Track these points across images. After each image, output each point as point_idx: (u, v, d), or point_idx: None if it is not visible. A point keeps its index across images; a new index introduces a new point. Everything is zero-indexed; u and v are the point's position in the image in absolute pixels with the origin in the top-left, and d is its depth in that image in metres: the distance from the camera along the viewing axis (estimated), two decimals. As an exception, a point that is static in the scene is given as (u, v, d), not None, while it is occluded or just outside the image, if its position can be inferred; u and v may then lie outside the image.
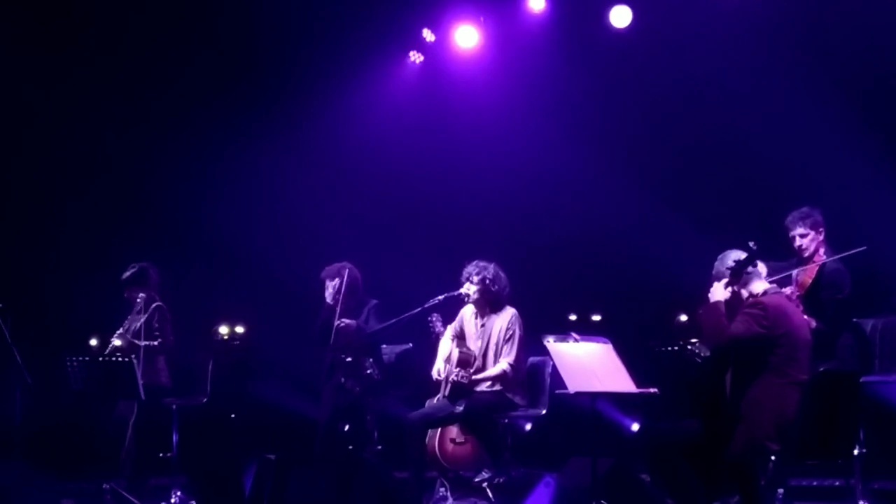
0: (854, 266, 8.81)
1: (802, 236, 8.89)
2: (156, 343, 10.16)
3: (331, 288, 10.60)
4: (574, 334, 8.14)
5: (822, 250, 8.86)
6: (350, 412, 10.41)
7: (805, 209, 8.95)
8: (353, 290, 10.56)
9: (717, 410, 7.32)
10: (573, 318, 12.09)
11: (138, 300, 10.29)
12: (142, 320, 10.23)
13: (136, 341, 10.20)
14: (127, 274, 10.49)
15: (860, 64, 11.10)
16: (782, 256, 8.85)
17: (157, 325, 10.24)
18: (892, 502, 8.75)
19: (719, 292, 7.42)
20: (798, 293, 8.51)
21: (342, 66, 13.00)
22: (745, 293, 7.45)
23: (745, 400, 7.19)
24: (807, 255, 8.87)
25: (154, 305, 10.27)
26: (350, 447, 10.37)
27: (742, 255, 7.40)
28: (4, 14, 11.99)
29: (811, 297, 8.57)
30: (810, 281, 8.69)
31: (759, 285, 7.46)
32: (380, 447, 10.41)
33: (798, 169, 10.89)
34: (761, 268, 7.55)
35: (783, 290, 7.95)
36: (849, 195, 10.52)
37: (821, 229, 8.88)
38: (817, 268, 8.75)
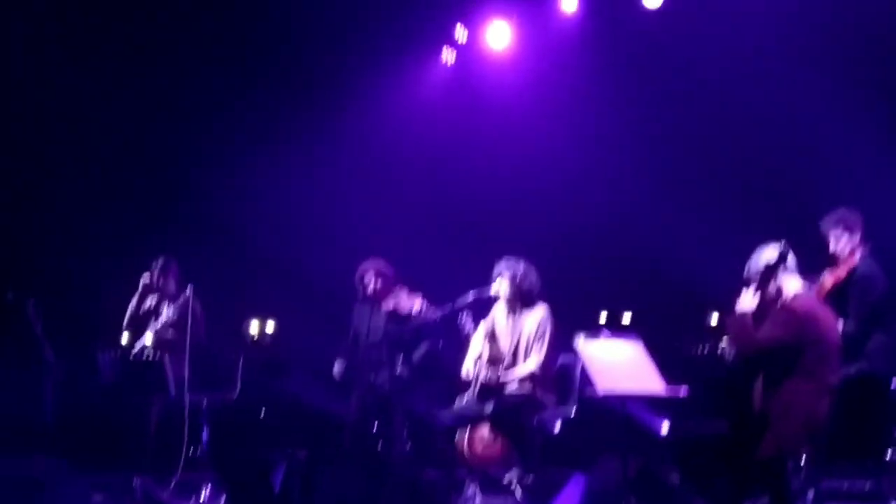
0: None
1: (836, 239, 8.79)
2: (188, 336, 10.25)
3: (371, 284, 10.67)
4: (605, 332, 8.11)
5: (858, 253, 8.76)
6: (379, 411, 10.42)
7: (840, 211, 8.85)
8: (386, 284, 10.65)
9: (747, 412, 7.29)
10: (604, 316, 12.06)
11: (175, 291, 10.46)
12: (176, 312, 10.34)
13: (170, 334, 10.31)
14: (161, 263, 10.61)
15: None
16: (816, 256, 8.77)
17: (192, 317, 10.33)
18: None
19: (747, 301, 7.38)
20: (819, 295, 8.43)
21: (374, 65, 13.04)
22: (774, 293, 7.39)
23: (774, 404, 7.16)
24: (841, 259, 8.80)
25: (187, 297, 10.35)
26: (379, 446, 10.37)
27: (774, 251, 7.36)
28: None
29: (840, 299, 8.49)
30: (830, 284, 8.60)
31: (793, 284, 7.40)
32: (409, 445, 10.41)
33: (834, 165, 10.82)
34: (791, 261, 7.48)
35: None
36: (888, 192, 10.42)
37: (856, 231, 8.78)
38: (847, 270, 8.67)
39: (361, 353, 10.58)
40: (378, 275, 10.65)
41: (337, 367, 10.75)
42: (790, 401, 7.11)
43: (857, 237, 8.79)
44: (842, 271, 8.65)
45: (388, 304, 10.40)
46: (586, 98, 12.40)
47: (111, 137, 12.71)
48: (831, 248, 8.78)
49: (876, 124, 10.69)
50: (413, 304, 10.25)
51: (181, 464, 10.00)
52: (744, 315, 7.33)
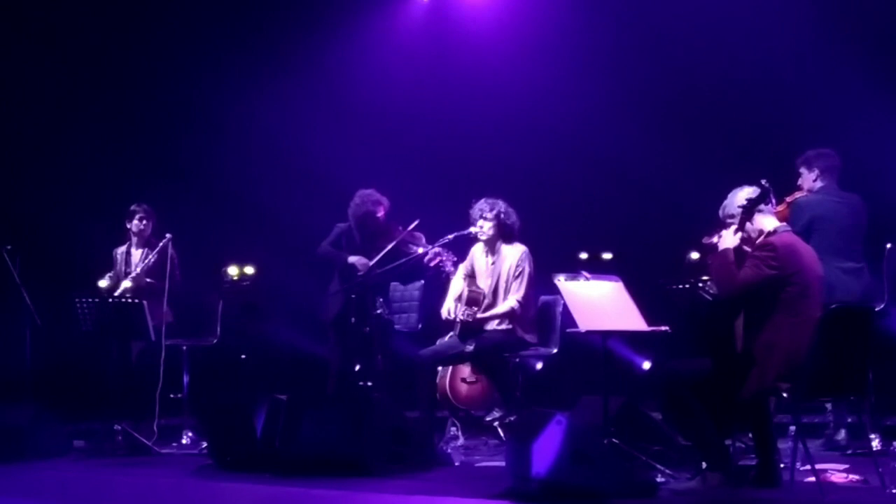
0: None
1: (799, 177, 8.96)
2: (166, 283, 10.21)
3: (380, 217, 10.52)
4: (585, 273, 8.11)
5: (817, 186, 8.92)
6: (360, 351, 10.40)
7: (809, 150, 9.04)
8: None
9: (729, 350, 7.28)
10: (584, 256, 12.05)
11: (153, 238, 10.47)
12: (153, 259, 10.32)
13: (152, 280, 10.30)
14: (142, 210, 10.58)
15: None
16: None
17: (169, 263, 10.29)
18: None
19: (729, 239, 7.35)
20: None
21: (350, 3, 12.94)
22: (754, 232, 7.38)
23: (758, 342, 7.14)
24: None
25: (166, 242, 10.32)
26: (361, 386, 10.36)
27: (752, 190, 7.34)
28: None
29: None
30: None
31: (770, 222, 7.40)
32: (391, 386, 10.41)
33: (810, 104, 10.82)
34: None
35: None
36: (866, 132, 10.44)
37: (813, 167, 8.96)
38: (785, 205, 8.81)
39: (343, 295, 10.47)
40: (384, 210, 10.50)
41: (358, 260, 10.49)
42: (773, 337, 7.09)
43: (813, 174, 8.98)
44: (780, 206, 8.74)
45: (389, 243, 10.21)
46: (565, 36, 12.32)
47: (85, 83, 12.60)
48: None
49: (858, 66, 10.65)
50: (421, 246, 10.12)
51: (157, 409, 9.96)
52: (726, 251, 7.31)
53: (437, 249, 9.96)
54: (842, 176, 9.04)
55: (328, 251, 10.57)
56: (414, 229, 10.22)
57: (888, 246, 9.01)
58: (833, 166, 8.98)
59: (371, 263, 10.25)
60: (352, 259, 10.36)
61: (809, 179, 8.99)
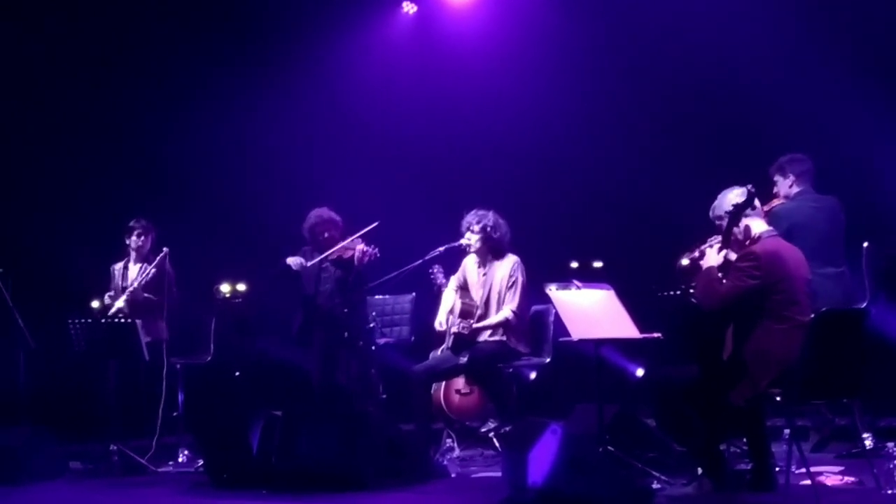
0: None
1: (775, 183, 8.97)
2: (165, 298, 10.24)
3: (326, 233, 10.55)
4: (576, 281, 8.12)
5: (794, 192, 8.92)
6: (350, 364, 10.40)
7: (784, 156, 9.04)
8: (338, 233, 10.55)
9: (720, 357, 7.29)
10: (575, 265, 12.05)
11: (146, 250, 10.60)
12: (151, 274, 10.34)
13: (150, 295, 10.30)
14: (141, 225, 10.59)
15: (859, 4, 11.01)
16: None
17: (167, 278, 10.31)
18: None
19: (712, 257, 7.38)
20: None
21: (336, 16, 12.96)
22: (741, 234, 7.40)
23: (748, 349, 7.14)
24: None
25: (163, 257, 10.33)
26: (354, 400, 10.37)
27: (740, 192, 7.36)
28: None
29: None
30: None
31: (758, 225, 7.42)
32: (384, 397, 10.41)
33: (788, 106, 10.84)
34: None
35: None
36: (842, 133, 10.48)
37: (788, 173, 8.94)
38: (763, 212, 8.80)
39: (318, 307, 10.47)
40: (331, 224, 10.52)
41: (295, 261, 10.47)
42: (763, 344, 7.10)
43: (789, 179, 8.95)
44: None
45: (334, 253, 10.27)
46: (551, 46, 12.34)
47: (74, 103, 12.58)
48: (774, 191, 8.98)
49: (834, 66, 10.68)
50: (354, 249, 10.13)
51: (158, 428, 9.98)
52: (709, 269, 7.33)
53: (361, 247, 9.99)
54: (818, 177, 9.06)
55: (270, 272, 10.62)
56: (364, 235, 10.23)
57: (865, 245, 9.00)
58: (807, 170, 8.97)
59: (307, 264, 10.33)
60: (289, 260, 10.38)
61: (786, 186, 8.96)
